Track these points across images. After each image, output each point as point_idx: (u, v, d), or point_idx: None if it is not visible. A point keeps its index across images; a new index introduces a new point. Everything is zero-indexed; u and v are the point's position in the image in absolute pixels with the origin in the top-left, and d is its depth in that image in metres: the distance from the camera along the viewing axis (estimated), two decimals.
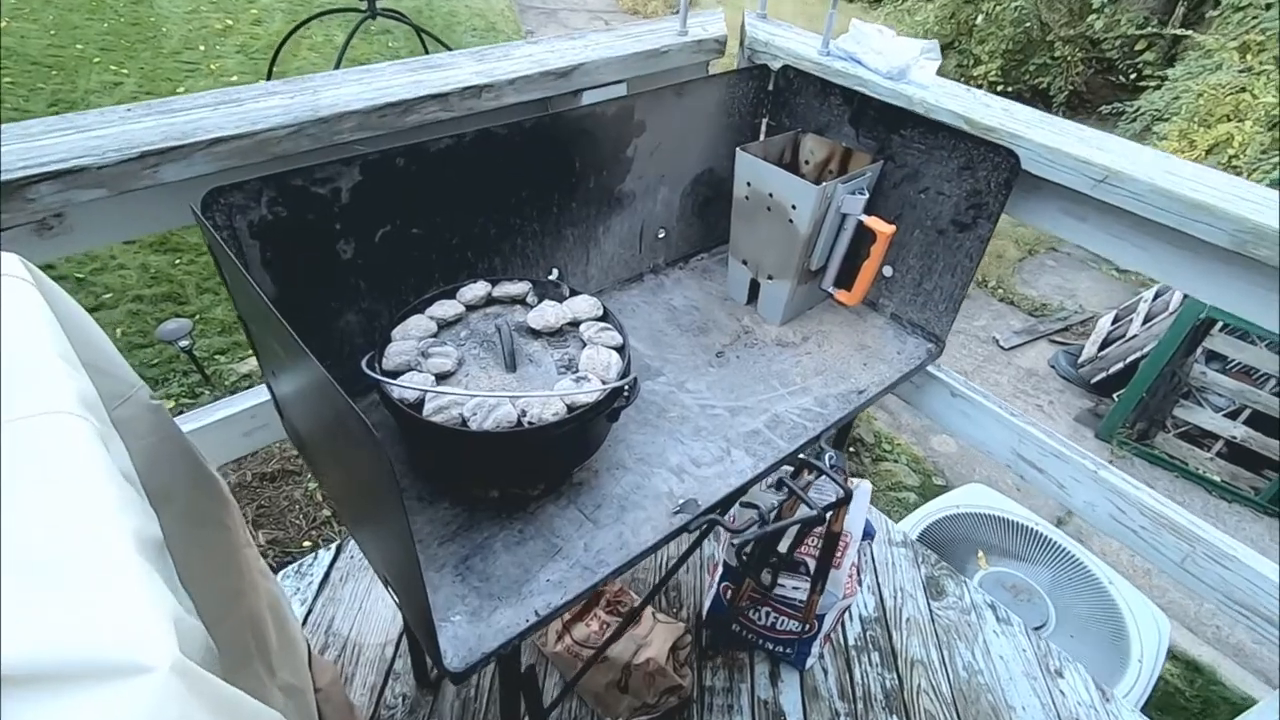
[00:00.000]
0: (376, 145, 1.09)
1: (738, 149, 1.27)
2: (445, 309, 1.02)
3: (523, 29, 8.11)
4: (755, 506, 0.99)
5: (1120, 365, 4.19)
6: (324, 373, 0.59)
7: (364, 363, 0.88)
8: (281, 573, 1.70)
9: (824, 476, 1.09)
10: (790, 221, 1.24)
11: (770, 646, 1.56)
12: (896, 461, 3.94)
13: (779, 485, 1.06)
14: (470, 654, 0.82)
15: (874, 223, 1.23)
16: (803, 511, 1.03)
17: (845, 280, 1.34)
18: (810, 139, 1.37)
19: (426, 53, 2.72)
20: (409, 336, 0.97)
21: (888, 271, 1.39)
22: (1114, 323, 4.49)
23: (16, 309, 0.65)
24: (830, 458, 1.09)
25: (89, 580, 0.44)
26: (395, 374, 0.93)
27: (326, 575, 1.70)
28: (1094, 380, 4.33)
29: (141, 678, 0.42)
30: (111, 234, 1.01)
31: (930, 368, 1.45)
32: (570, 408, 0.89)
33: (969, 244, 1.25)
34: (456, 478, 0.98)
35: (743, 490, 1.06)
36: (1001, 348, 4.81)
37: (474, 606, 0.87)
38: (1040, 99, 7.62)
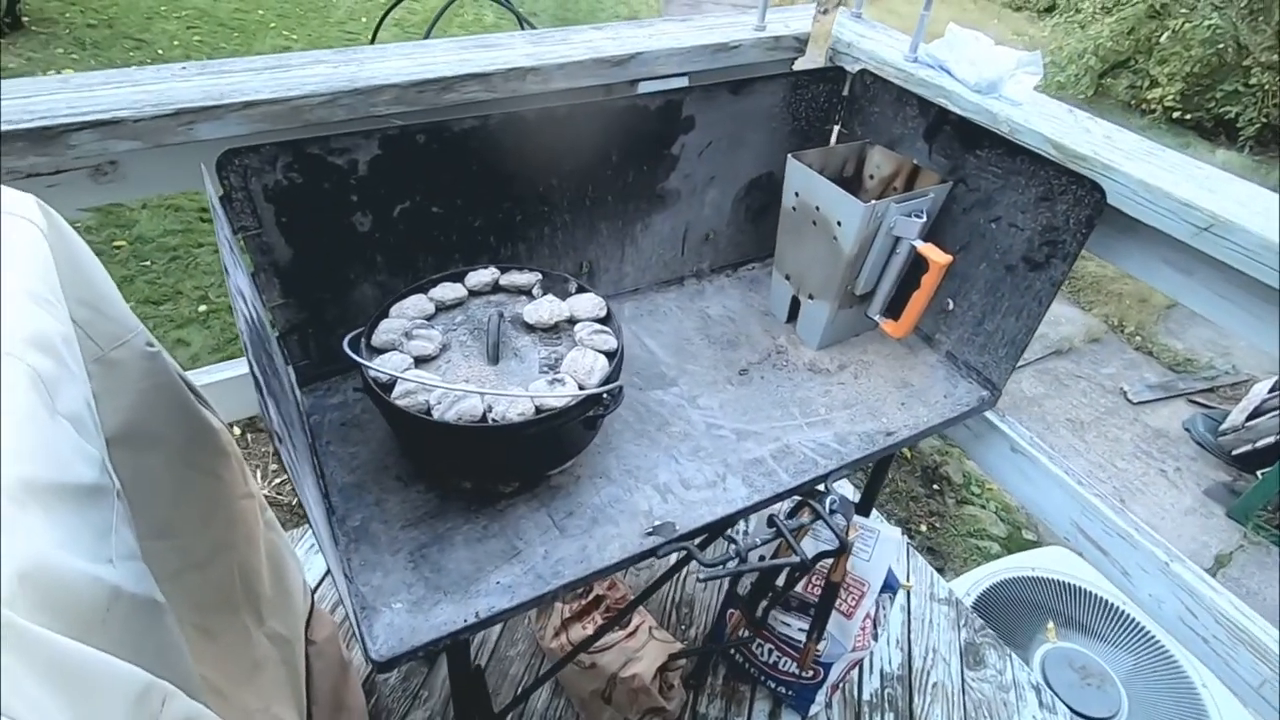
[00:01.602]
0: (412, 121, 1.10)
1: (789, 155, 1.18)
2: (447, 292, 1.01)
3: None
4: (734, 540, 0.92)
5: (1271, 439, 3.66)
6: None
7: (347, 339, 0.89)
8: None
9: (829, 518, 1.00)
10: (835, 239, 1.14)
11: (772, 685, 1.47)
12: (984, 507, 3.64)
13: (769, 522, 0.97)
14: (400, 645, 0.81)
15: (929, 250, 1.11)
16: (793, 556, 0.95)
17: (896, 309, 1.22)
18: (878, 152, 1.25)
19: None
20: (403, 315, 0.97)
21: (949, 305, 1.25)
22: (1271, 390, 3.92)
23: (4, 246, 0.68)
24: (833, 502, 0.99)
25: None
26: (381, 350, 0.93)
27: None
28: (1235, 452, 3.81)
29: None
30: (159, 185, 1.08)
31: (992, 417, 1.30)
32: (539, 409, 0.85)
33: (1039, 285, 1.10)
34: (425, 464, 0.97)
35: (730, 521, 0.99)
36: (1129, 401, 4.32)
37: (418, 596, 0.86)
38: (1225, 130, 6.76)
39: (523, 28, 2.17)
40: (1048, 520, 1.31)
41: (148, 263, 3.51)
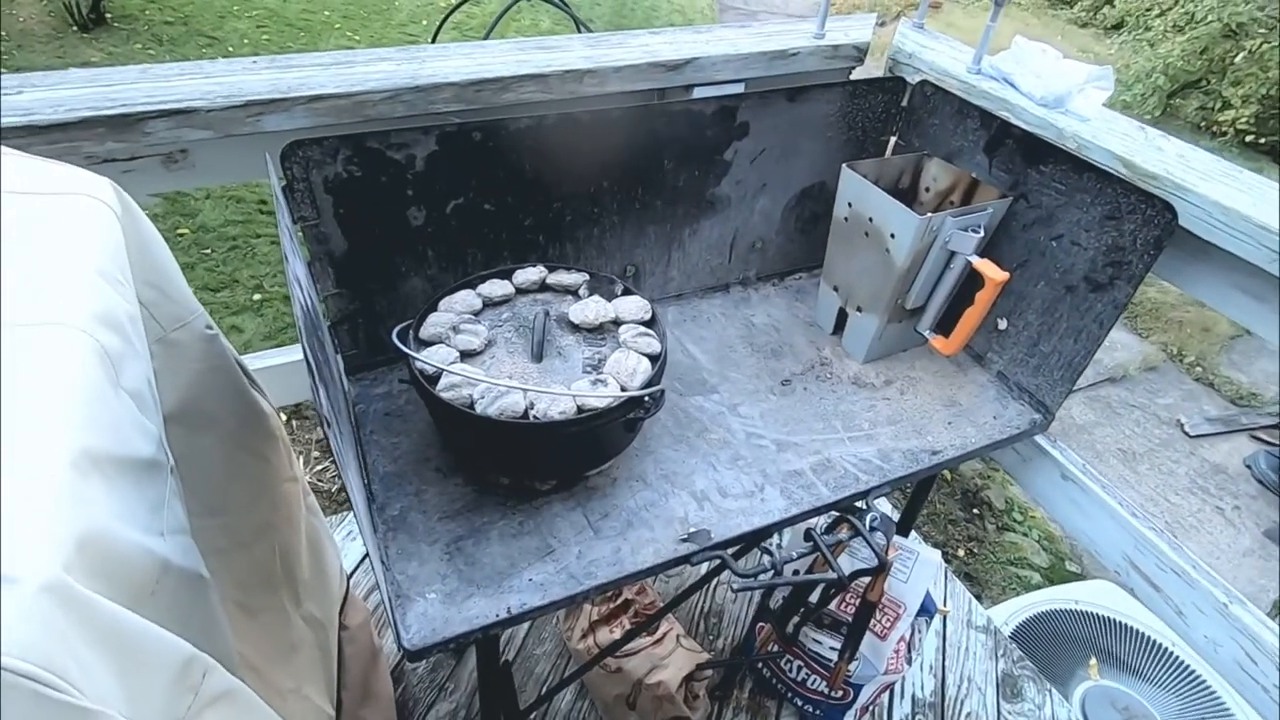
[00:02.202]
0: (469, 119, 1.11)
1: (843, 165, 1.17)
2: (495, 288, 1.02)
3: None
4: (770, 553, 0.90)
5: None
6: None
7: (396, 330, 0.90)
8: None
9: (869, 535, 0.97)
10: (887, 251, 1.12)
11: (799, 703, 1.44)
12: (1026, 535, 3.53)
13: (806, 536, 0.96)
14: (432, 635, 0.81)
15: (985, 266, 1.08)
16: (829, 572, 0.93)
17: (947, 325, 1.19)
18: (935, 164, 1.23)
19: None
20: (451, 309, 0.98)
21: (1002, 324, 1.22)
22: None
23: (76, 227, 0.71)
24: (873, 519, 0.97)
25: None
26: (428, 343, 0.94)
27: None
28: None
29: (4, 589, 0.42)
30: (227, 174, 1.11)
31: (1042, 441, 1.26)
32: (580, 409, 0.85)
33: (1101, 307, 1.06)
34: (465, 457, 0.98)
35: (766, 533, 0.97)
36: (1186, 434, 4.15)
37: (451, 588, 0.86)
38: None
39: (579, 30, 2.19)
40: (1098, 552, 1.26)
41: (208, 250, 3.64)
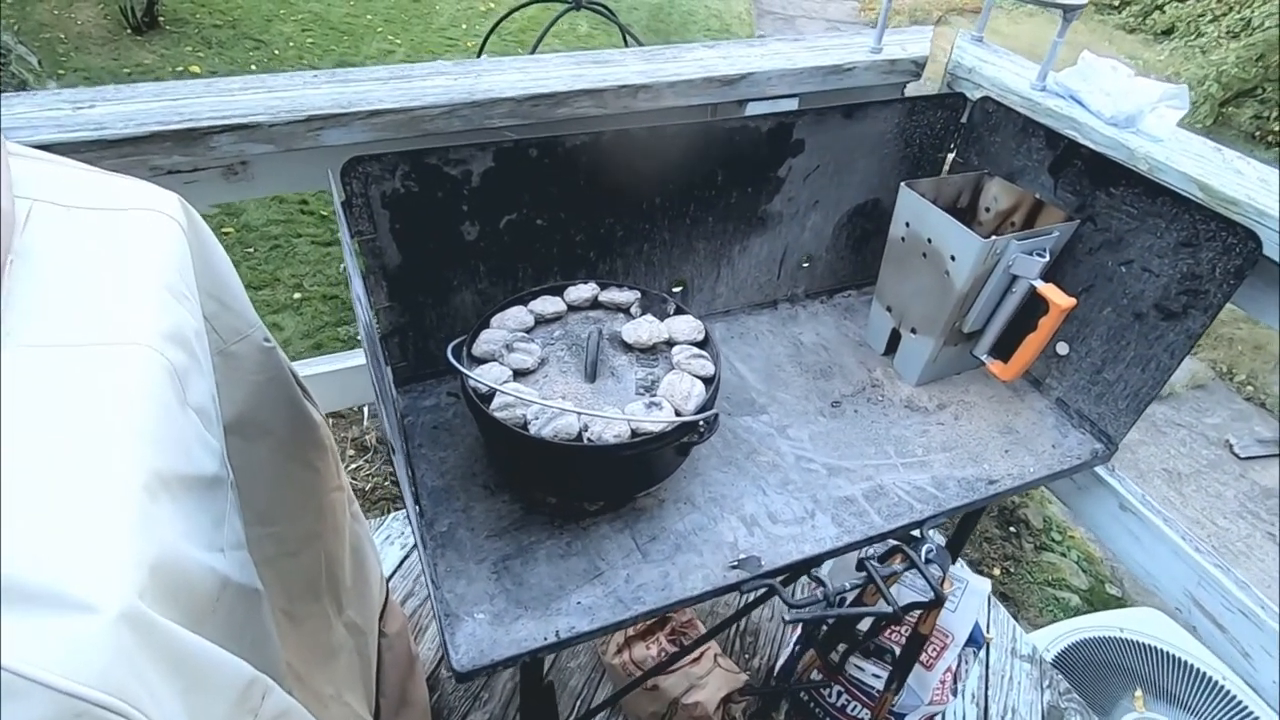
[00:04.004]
0: (524, 134, 1.11)
1: (902, 184, 1.14)
2: (547, 305, 1.02)
3: (756, 33, 8.08)
4: (823, 583, 0.88)
5: None
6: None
7: (451, 347, 0.90)
8: (392, 515, 1.83)
9: (918, 569, 0.95)
10: (946, 273, 1.09)
11: None
12: (1065, 555, 3.44)
13: (859, 565, 0.93)
14: (481, 657, 0.81)
15: (1050, 291, 1.04)
16: (883, 604, 0.91)
17: (1004, 350, 1.16)
18: (996, 184, 1.19)
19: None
20: (503, 326, 0.97)
21: (1063, 349, 1.18)
22: None
23: (143, 241, 0.71)
24: (929, 550, 0.94)
25: (69, 511, 0.46)
26: (481, 360, 0.94)
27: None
28: None
29: (83, 616, 0.42)
30: (285, 185, 1.12)
31: (1100, 470, 1.22)
32: (635, 433, 0.84)
33: (1173, 337, 1.02)
34: (514, 476, 0.98)
35: (816, 561, 0.95)
36: (1236, 455, 4.01)
37: (499, 609, 0.86)
38: None
39: (625, 38, 2.19)
40: (1157, 587, 1.21)
41: (251, 249, 3.71)
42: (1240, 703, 2.02)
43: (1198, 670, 2.09)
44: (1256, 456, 3.96)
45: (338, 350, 3.26)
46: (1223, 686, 2.06)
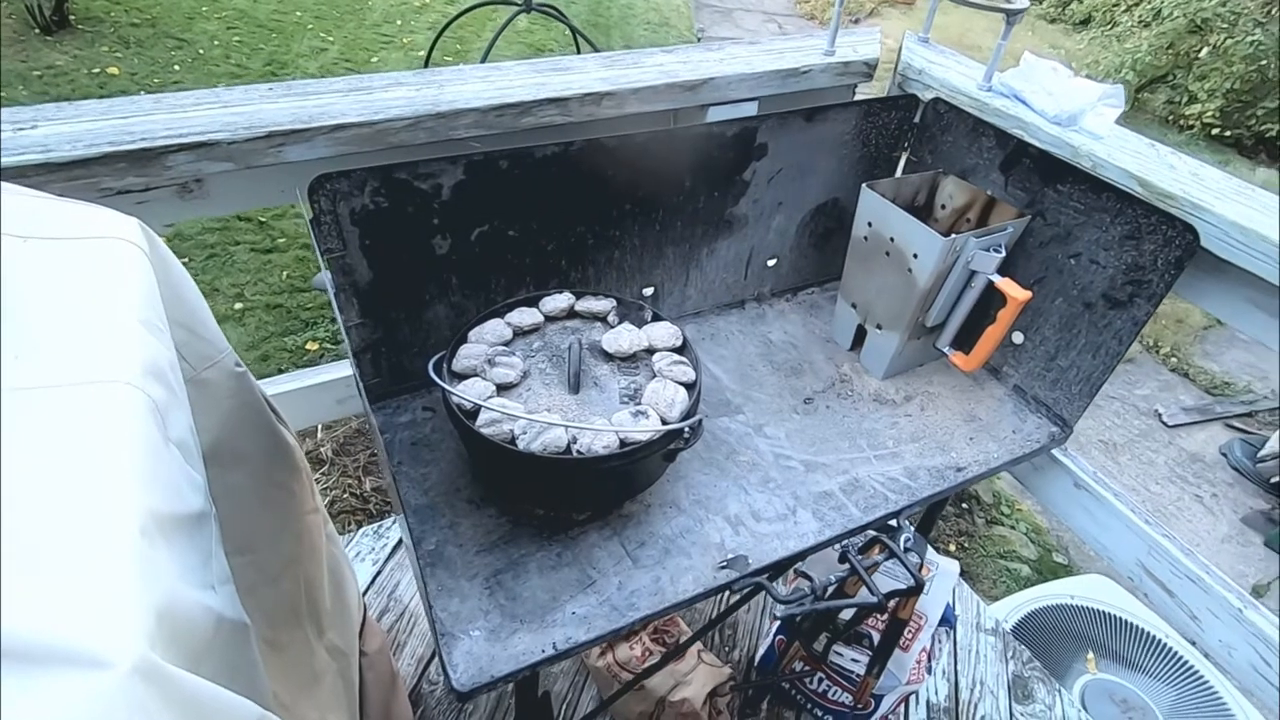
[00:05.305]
0: (490, 144, 1.10)
1: (864, 185, 1.17)
2: (524, 317, 1.01)
3: (695, 26, 8.11)
4: (809, 577, 0.91)
5: None
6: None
7: (431, 363, 0.89)
8: (361, 531, 1.79)
9: (898, 558, 0.99)
10: (909, 271, 1.13)
11: (819, 714, 1.46)
12: (1014, 528, 3.60)
13: (842, 558, 0.96)
14: (480, 674, 0.81)
15: (1007, 285, 1.09)
16: (865, 593, 0.94)
17: (965, 342, 1.21)
18: (950, 182, 1.24)
19: (579, 52, 2.77)
20: (482, 340, 0.97)
21: (1018, 338, 1.24)
22: None
23: (112, 273, 0.68)
24: (907, 539, 0.98)
25: (71, 563, 0.44)
26: (462, 376, 0.93)
27: (400, 541, 1.77)
28: (1275, 479, 3.74)
29: (97, 673, 0.41)
30: (242, 202, 1.09)
31: (1054, 451, 1.28)
32: (624, 443, 0.85)
33: (1120, 324, 1.08)
34: (501, 490, 0.97)
35: (800, 556, 0.98)
36: (1164, 424, 4.26)
37: (495, 624, 0.86)
38: (1265, 148, 6.64)
39: (576, 39, 2.18)
40: (1110, 558, 1.28)
41: (185, 259, 3.54)
42: (1184, 659, 2.16)
43: (1144, 631, 2.22)
44: (1182, 424, 4.22)
45: (284, 361, 3.16)
46: (1167, 645, 2.20)
